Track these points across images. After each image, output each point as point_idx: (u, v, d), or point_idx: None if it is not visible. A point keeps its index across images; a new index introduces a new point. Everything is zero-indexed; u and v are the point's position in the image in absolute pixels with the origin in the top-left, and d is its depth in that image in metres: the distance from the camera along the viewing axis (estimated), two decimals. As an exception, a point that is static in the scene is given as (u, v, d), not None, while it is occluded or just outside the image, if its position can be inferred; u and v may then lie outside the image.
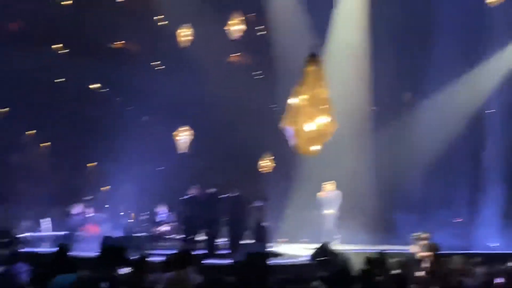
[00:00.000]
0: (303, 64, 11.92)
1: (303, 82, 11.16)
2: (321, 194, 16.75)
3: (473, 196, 20.55)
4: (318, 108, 6.64)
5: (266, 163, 18.67)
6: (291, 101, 8.16)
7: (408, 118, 19.64)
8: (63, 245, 10.29)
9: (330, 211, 16.62)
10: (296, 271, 10.65)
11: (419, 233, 14.66)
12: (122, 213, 16.87)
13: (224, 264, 11.85)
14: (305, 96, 10.42)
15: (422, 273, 11.61)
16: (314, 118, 6.74)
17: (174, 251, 9.84)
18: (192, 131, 18.40)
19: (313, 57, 12.01)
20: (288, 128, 7.05)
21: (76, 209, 15.74)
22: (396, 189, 19.25)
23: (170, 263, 8.21)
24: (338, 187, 16.81)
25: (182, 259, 8.00)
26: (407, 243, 14.32)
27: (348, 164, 17.72)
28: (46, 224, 16.52)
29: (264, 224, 13.89)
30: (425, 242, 14.20)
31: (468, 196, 20.55)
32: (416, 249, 14.18)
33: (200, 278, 8.01)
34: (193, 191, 13.71)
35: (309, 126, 6.95)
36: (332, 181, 16.65)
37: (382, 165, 18.40)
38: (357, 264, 11.70)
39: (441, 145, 19.44)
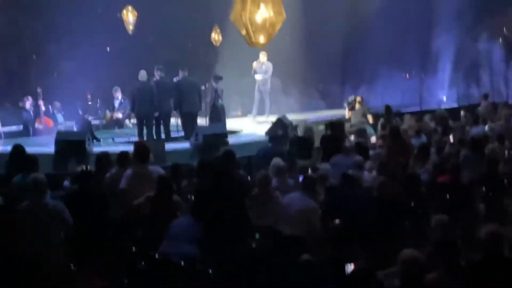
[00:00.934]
0: None
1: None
2: (255, 64, 15.94)
3: (424, 51, 20.79)
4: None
5: (216, 35, 18.35)
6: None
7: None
8: (18, 145, 10.14)
9: (260, 79, 15.97)
10: (257, 147, 10.88)
11: (352, 96, 14.87)
12: (75, 103, 16.41)
13: (184, 149, 11.93)
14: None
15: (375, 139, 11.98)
16: (260, 8, 6.48)
17: (132, 144, 9.88)
18: (135, 11, 17.60)
19: None
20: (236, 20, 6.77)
21: (27, 102, 15.30)
22: (344, 53, 19.26)
23: (127, 159, 8.18)
24: (276, 56, 16.08)
25: (138, 154, 7.96)
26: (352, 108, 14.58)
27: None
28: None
29: (218, 103, 13.83)
30: (359, 105, 14.41)
31: (418, 52, 20.78)
32: (349, 114, 14.42)
33: (161, 170, 8.05)
34: (142, 76, 13.28)
35: (257, 17, 6.68)
36: (263, 51, 15.78)
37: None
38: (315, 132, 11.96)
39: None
